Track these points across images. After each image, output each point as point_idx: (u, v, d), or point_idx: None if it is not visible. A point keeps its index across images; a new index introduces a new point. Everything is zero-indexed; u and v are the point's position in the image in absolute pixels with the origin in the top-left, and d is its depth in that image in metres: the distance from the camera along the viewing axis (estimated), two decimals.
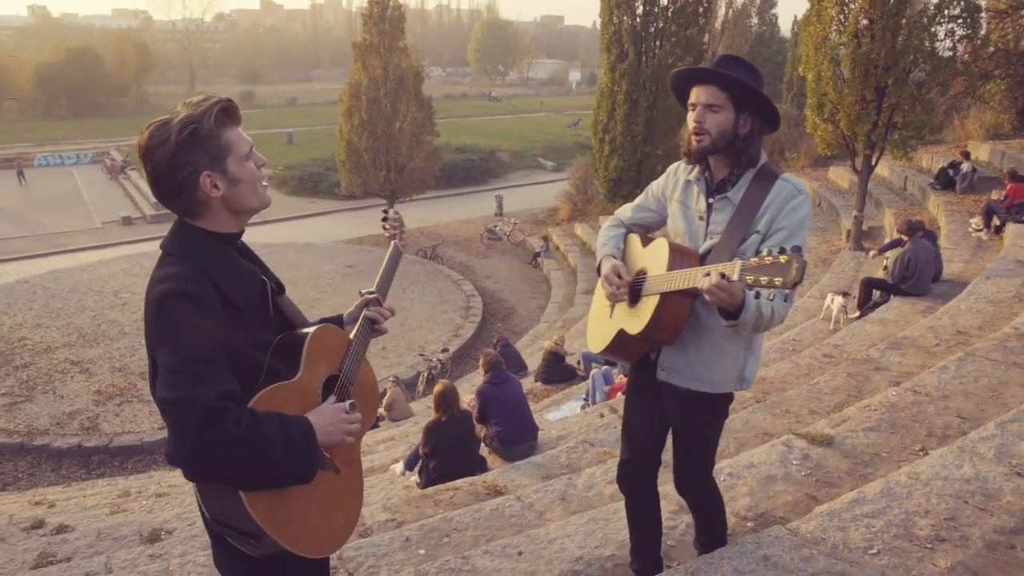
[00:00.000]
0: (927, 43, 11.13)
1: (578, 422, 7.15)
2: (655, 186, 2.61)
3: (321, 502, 1.79)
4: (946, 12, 11.00)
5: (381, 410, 11.25)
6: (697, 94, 2.27)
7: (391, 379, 11.81)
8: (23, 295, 18.44)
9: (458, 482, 4.98)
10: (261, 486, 1.62)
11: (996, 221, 10.86)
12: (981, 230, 11.07)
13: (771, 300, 1.85)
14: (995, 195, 11.59)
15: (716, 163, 2.36)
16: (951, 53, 11.50)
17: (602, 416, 6.91)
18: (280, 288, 1.94)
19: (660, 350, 2.47)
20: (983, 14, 11.88)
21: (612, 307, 2.56)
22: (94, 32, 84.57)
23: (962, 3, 10.96)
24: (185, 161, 1.64)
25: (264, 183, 1.81)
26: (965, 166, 13.66)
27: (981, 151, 15.62)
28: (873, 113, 11.58)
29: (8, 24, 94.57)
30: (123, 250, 24.02)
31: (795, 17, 33.93)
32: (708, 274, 1.98)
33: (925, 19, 11.04)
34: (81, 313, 17.19)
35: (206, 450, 1.51)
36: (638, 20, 18.62)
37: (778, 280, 1.79)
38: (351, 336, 1.99)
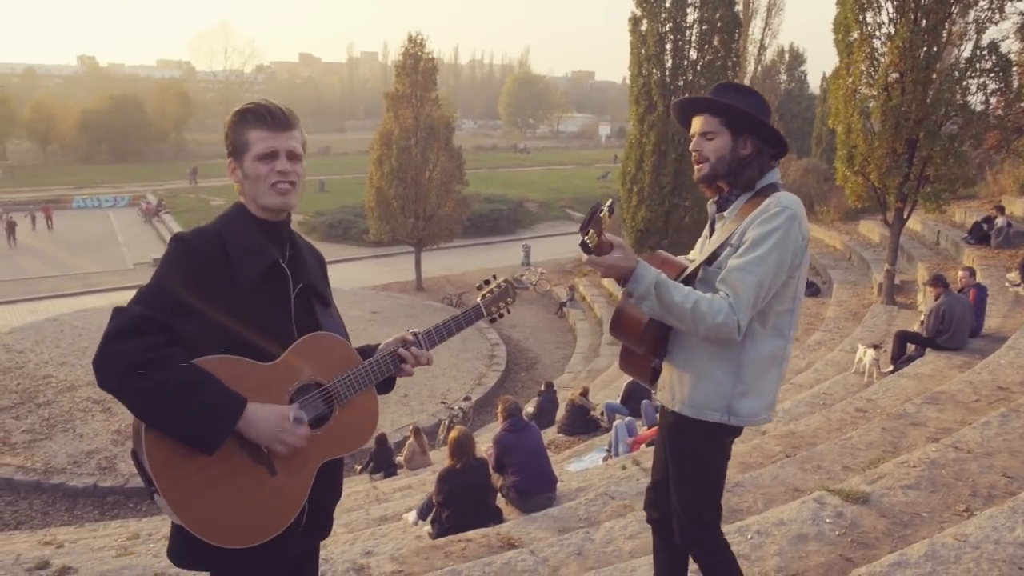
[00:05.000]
0: (959, 96, 11.02)
1: (599, 474, 6.90)
2: None
3: (235, 491, 1.76)
4: (978, 66, 10.90)
5: (400, 458, 11.04)
6: (694, 124, 2.30)
7: (411, 428, 11.62)
8: (51, 333, 18.66)
9: (471, 533, 4.76)
10: (154, 424, 1.68)
11: None
12: (1019, 285, 10.74)
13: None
14: None
15: (726, 186, 2.35)
16: (984, 106, 11.36)
17: (624, 468, 6.66)
18: (319, 295, 2.02)
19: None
20: (1015, 68, 11.71)
21: None
22: (139, 81, 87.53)
23: (994, 57, 10.85)
24: (227, 142, 1.91)
25: (282, 185, 1.87)
26: (1000, 221, 13.36)
27: (1016, 206, 15.30)
28: (904, 166, 11.42)
29: (58, 72, 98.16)
30: None
31: (824, 74, 34.11)
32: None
33: (956, 72, 10.94)
34: None
35: (105, 358, 1.64)
36: (667, 73, 18.79)
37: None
38: (366, 361, 2.00)
